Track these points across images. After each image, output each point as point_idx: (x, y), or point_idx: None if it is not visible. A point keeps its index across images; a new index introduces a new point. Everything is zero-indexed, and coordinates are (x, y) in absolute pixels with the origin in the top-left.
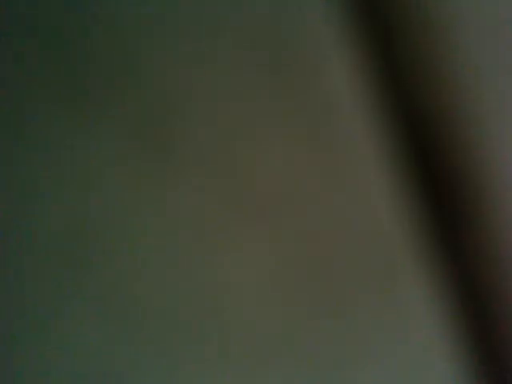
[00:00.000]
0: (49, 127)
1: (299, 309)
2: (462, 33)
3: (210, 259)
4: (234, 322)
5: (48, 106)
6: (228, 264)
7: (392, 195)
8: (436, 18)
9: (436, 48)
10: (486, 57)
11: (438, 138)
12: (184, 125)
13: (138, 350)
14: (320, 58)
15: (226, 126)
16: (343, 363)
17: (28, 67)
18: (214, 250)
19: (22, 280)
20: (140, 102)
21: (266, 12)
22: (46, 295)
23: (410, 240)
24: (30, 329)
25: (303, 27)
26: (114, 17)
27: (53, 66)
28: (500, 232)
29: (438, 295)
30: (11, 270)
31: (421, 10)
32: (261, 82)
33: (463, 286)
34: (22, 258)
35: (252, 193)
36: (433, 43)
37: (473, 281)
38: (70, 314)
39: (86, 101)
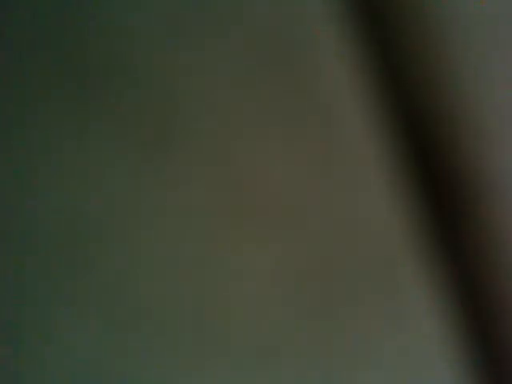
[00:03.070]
0: (49, 127)
1: (299, 309)
2: (461, 32)
3: (210, 259)
4: (235, 322)
5: (48, 105)
6: (228, 264)
7: (392, 195)
8: (436, 17)
9: (436, 48)
10: (486, 56)
11: (437, 138)
12: (184, 124)
13: (138, 350)
14: (320, 58)
15: (226, 125)
16: (343, 364)
17: (28, 67)
18: (214, 250)
19: (21, 280)
20: (140, 101)
21: (266, 12)
22: (45, 295)
23: (410, 240)
24: (29, 329)
25: (303, 27)
26: (114, 16)
27: (53, 65)
28: (500, 232)
29: (438, 295)
30: (11, 270)
31: (421, 9)
32: (261, 81)
33: (463, 286)
34: (22, 257)
35: (252, 193)
36: (433, 43)
37: (473, 281)
38: (70, 314)
39: (86, 100)
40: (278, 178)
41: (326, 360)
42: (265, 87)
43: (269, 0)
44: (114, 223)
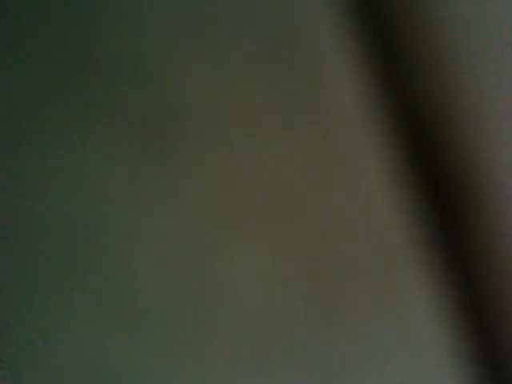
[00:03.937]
0: (48, 127)
1: (299, 309)
2: (462, 32)
3: (210, 259)
4: (234, 322)
5: (47, 106)
6: (228, 264)
7: (392, 195)
8: (436, 17)
9: (437, 48)
10: (487, 57)
11: (438, 138)
12: (184, 125)
13: (137, 350)
14: (320, 58)
15: (226, 125)
16: (343, 365)
17: (28, 68)
18: (214, 249)
19: (21, 280)
20: (140, 102)
21: (266, 12)
22: (44, 296)
23: (410, 240)
24: (29, 328)
25: (303, 27)
26: (114, 17)
27: (53, 66)
28: (500, 232)
29: (438, 296)
30: (11, 270)
31: (421, 9)
32: (261, 82)
33: (463, 285)
34: (22, 257)
35: (252, 193)
36: (433, 43)
37: (473, 281)
38: (70, 314)
39: (86, 101)
40: (279, 178)
41: (325, 360)
42: (265, 87)
43: (269, 0)
44: (114, 223)
